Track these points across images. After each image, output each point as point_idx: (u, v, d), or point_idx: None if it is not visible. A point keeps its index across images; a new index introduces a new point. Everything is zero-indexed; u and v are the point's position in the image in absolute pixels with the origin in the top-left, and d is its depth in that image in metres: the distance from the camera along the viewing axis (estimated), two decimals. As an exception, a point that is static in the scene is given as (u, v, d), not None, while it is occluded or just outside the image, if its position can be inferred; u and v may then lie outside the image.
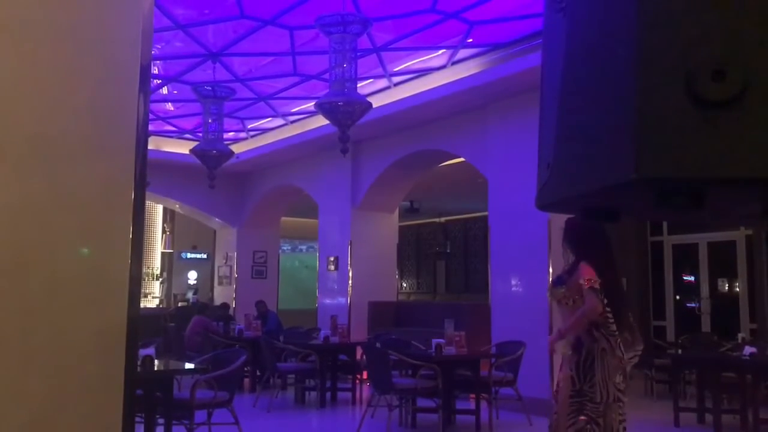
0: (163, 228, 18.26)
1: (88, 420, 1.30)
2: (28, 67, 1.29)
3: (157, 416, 5.54)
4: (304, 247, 20.19)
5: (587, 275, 3.79)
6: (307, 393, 9.20)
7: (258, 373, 9.89)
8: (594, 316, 3.75)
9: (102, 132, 1.36)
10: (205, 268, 18.22)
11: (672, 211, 1.29)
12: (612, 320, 3.77)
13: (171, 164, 12.56)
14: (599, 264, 3.83)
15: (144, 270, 16.40)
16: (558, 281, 4.11)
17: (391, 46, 8.39)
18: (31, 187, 1.27)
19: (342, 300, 11.45)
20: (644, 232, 12.42)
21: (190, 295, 17.36)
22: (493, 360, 7.43)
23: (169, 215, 18.21)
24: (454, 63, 8.76)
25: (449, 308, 10.94)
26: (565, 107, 1.05)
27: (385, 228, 11.81)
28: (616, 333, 3.74)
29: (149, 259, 17.30)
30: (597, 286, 3.76)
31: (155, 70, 9.19)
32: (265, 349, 8.73)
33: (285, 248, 18.99)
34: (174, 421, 5.63)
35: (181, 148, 12.30)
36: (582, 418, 3.65)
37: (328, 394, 8.83)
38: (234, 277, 14.41)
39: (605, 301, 3.78)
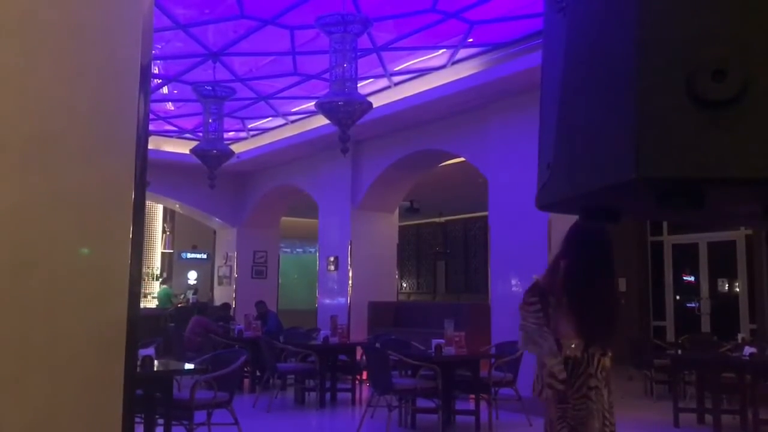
0: (163, 228, 18.25)
1: (88, 420, 1.30)
2: (29, 67, 1.29)
3: (157, 416, 5.54)
4: (300, 249, 20.13)
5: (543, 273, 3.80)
6: (306, 393, 9.20)
7: (258, 374, 9.88)
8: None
9: (102, 132, 1.36)
10: (205, 269, 18.21)
11: (672, 211, 1.29)
12: (538, 314, 3.65)
13: (171, 164, 12.57)
14: (572, 266, 3.68)
15: (144, 270, 16.40)
16: None
17: (392, 45, 8.39)
18: (31, 187, 1.27)
19: (342, 300, 11.45)
20: (644, 232, 12.42)
21: (189, 295, 17.35)
22: (492, 360, 7.42)
23: (169, 215, 18.20)
24: (454, 63, 8.76)
25: (449, 308, 10.94)
26: (565, 107, 1.05)
27: (385, 228, 11.81)
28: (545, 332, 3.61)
29: (149, 259, 17.30)
30: (535, 280, 3.73)
31: (155, 70, 9.19)
32: (265, 349, 8.73)
33: (285, 250, 18.99)
34: (174, 422, 5.63)
35: (181, 148, 12.30)
36: (565, 426, 3.61)
37: (328, 395, 8.83)
38: (234, 277, 14.41)
39: (570, 307, 3.64)
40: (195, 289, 17.94)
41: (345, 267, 11.44)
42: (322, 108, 7.03)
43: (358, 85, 7.37)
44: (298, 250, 20.22)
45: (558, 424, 3.61)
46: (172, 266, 18.52)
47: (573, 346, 3.58)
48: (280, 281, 15.78)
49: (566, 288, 3.62)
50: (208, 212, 14.42)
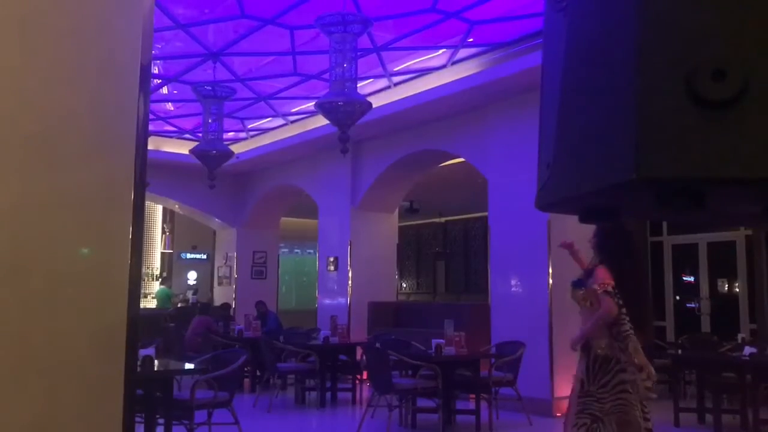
0: (163, 228, 18.25)
1: (88, 420, 1.30)
2: (29, 67, 1.29)
3: (157, 416, 5.54)
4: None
5: (601, 279, 3.85)
6: (307, 393, 9.20)
7: (258, 373, 9.88)
8: (610, 318, 3.82)
9: (102, 132, 1.36)
10: (205, 269, 18.21)
11: (672, 211, 1.29)
12: (625, 320, 3.82)
13: (171, 164, 12.56)
14: (618, 270, 3.87)
15: (144, 270, 16.39)
16: (578, 282, 4.12)
17: (391, 45, 8.39)
18: (31, 187, 1.27)
19: (342, 300, 11.45)
20: (644, 232, 12.41)
21: (189, 295, 17.35)
22: (492, 360, 7.43)
23: (169, 215, 18.20)
24: (454, 63, 8.76)
25: (449, 308, 10.94)
26: (565, 107, 1.05)
27: (385, 228, 11.80)
28: (629, 332, 3.80)
29: (149, 259, 17.30)
30: (610, 288, 3.82)
31: (155, 70, 9.18)
32: (265, 349, 8.73)
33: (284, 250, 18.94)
34: (174, 421, 5.63)
35: (181, 148, 12.30)
36: (585, 417, 3.70)
37: (328, 394, 8.83)
38: (234, 278, 14.40)
39: (622, 307, 3.82)
40: (195, 289, 17.95)
41: (345, 267, 11.44)
42: (322, 108, 7.03)
43: (358, 85, 7.37)
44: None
45: (577, 417, 3.71)
46: (171, 266, 18.52)
47: (603, 345, 3.79)
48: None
49: (626, 292, 3.84)
50: (207, 212, 14.41)
